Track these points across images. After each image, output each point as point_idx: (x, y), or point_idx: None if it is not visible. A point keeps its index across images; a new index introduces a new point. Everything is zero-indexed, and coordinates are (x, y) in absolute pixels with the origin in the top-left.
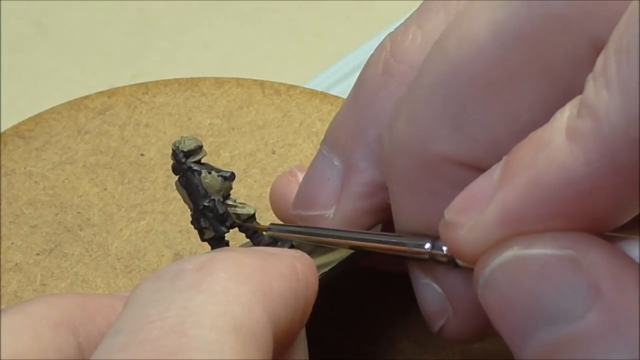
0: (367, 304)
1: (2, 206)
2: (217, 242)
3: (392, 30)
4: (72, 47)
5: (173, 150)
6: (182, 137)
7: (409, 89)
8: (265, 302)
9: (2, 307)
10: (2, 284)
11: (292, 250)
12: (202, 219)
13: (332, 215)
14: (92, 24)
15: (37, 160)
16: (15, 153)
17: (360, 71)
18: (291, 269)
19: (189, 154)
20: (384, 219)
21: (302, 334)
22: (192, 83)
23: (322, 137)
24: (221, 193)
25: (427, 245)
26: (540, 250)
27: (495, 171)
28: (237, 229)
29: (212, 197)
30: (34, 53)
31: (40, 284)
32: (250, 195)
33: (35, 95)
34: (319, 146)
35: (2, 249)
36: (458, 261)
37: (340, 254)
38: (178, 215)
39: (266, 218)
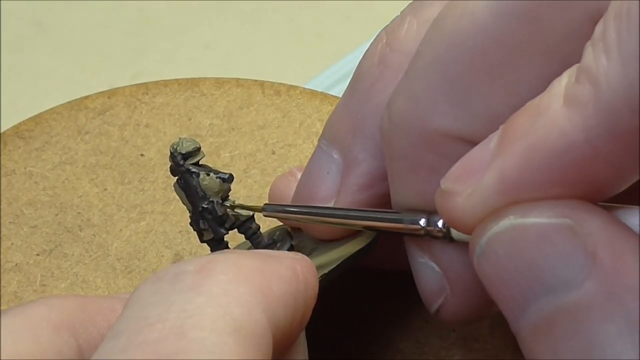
0: (366, 304)
1: (2, 206)
2: (217, 243)
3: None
4: (72, 47)
5: (171, 152)
6: (180, 138)
7: (407, 69)
8: (265, 304)
9: (2, 307)
10: (2, 285)
11: (292, 253)
12: (201, 221)
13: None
14: (92, 24)
15: (37, 161)
16: (15, 153)
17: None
18: (291, 271)
19: (187, 155)
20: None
21: (302, 335)
22: (192, 83)
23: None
24: (220, 195)
25: (423, 221)
26: (538, 219)
27: (492, 140)
28: (236, 230)
29: (210, 199)
30: (34, 53)
31: (40, 284)
32: (250, 196)
33: (35, 96)
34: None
35: (2, 249)
36: (453, 235)
37: (342, 253)
38: (178, 215)
39: (265, 218)
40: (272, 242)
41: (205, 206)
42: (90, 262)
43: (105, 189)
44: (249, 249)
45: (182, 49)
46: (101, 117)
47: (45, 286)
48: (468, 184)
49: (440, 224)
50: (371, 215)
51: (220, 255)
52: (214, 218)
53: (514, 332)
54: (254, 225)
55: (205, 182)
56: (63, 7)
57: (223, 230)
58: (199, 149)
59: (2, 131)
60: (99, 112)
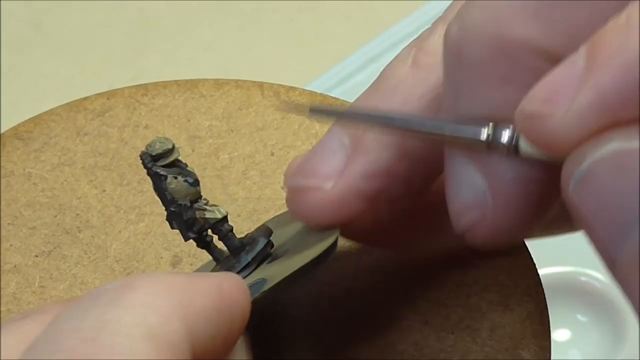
0: (364, 305)
1: (1, 208)
2: (201, 243)
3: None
4: (71, 48)
5: (140, 154)
6: (155, 139)
7: None
8: (185, 316)
9: (1, 309)
10: (1, 286)
11: (223, 272)
12: (173, 222)
13: (330, 187)
14: (91, 25)
15: (36, 162)
16: (14, 154)
17: (361, 72)
18: (216, 288)
19: (157, 157)
20: (374, 211)
21: (241, 350)
22: (191, 84)
23: None
24: (188, 198)
25: (489, 128)
26: None
27: (579, 57)
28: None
29: (178, 202)
30: (33, 54)
31: (39, 285)
32: (249, 197)
33: (35, 97)
34: None
35: (0, 251)
36: (522, 150)
37: (298, 264)
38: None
39: (264, 220)
40: (241, 244)
41: (172, 209)
42: (89, 264)
43: (104, 191)
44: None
45: (182, 50)
46: (100, 118)
47: (44, 287)
48: (560, 105)
49: (506, 135)
50: (431, 123)
51: (144, 274)
52: (181, 222)
53: (608, 262)
54: (225, 227)
55: (172, 186)
56: (62, 8)
57: (191, 234)
58: (171, 149)
59: (1, 132)
60: (98, 113)
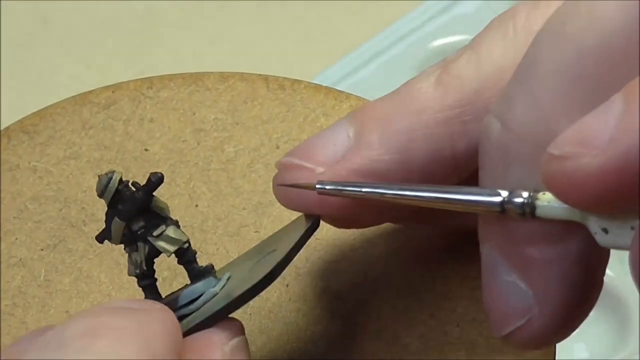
0: (371, 299)
1: (6, 201)
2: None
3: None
4: (77, 43)
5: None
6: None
7: (522, 71)
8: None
9: (6, 303)
10: (6, 280)
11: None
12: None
13: (320, 172)
14: (97, 20)
15: (41, 155)
16: (20, 148)
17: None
18: (166, 324)
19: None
20: (359, 207)
21: (242, 350)
22: (196, 78)
23: None
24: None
25: (504, 194)
26: None
27: (615, 102)
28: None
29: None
30: (39, 48)
31: (45, 279)
32: (255, 190)
33: (40, 91)
34: None
35: (6, 245)
36: (538, 210)
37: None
38: (182, 210)
39: (270, 213)
40: (206, 269)
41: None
42: (95, 257)
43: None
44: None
45: (188, 45)
46: (105, 111)
47: (50, 281)
48: (594, 146)
49: (524, 195)
50: (446, 190)
51: (98, 320)
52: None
53: None
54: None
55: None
56: (68, 3)
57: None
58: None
59: (6, 126)
60: (103, 106)
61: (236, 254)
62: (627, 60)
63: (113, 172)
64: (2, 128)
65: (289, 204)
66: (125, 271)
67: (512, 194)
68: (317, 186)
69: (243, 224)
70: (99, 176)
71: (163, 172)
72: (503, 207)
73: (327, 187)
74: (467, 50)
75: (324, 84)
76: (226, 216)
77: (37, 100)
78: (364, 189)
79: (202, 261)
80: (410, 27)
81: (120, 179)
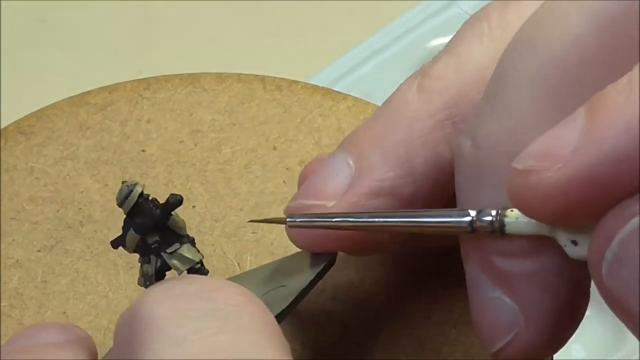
0: (368, 300)
1: (3, 202)
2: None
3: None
4: (75, 43)
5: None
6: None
7: (490, 92)
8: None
9: (4, 304)
10: (3, 281)
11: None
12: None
13: (331, 206)
14: (95, 20)
15: (38, 156)
16: (17, 149)
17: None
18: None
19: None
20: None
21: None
22: (193, 78)
23: (324, 133)
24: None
25: (473, 213)
26: None
27: (578, 116)
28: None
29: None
30: (37, 48)
31: (42, 280)
32: (252, 191)
33: (38, 91)
34: (320, 142)
35: (3, 246)
36: (507, 226)
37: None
38: (179, 211)
39: (267, 214)
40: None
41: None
42: (92, 259)
43: (107, 185)
44: None
45: (185, 45)
46: (102, 112)
47: (47, 282)
48: (557, 159)
49: (492, 213)
50: (415, 214)
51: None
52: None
53: None
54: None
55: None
56: (66, 3)
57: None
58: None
59: (3, 127)
60: (100, 107)
61: (233, 255)
62: (594, 71)
63: (135, 183)
64: None
65: (311, 246)
66: (122, 272)
67: (480, 212)
68: (288, 220)
69: (240, 225)
70: (122, 184)
71: (160, 173)
72: (473, 227)
73: (298, 220)
74: (443, 54)
75: (321, 84)
76: (223, 217)
77: (34, 101)
78: (334, 219)
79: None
80: (408, 27)
81: (141, 193)
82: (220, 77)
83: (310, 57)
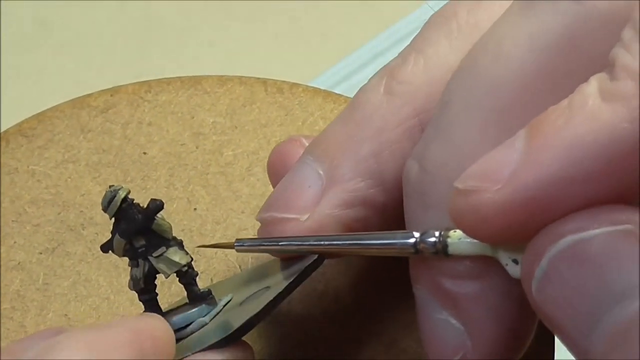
0: (369, 303)
1: (4, 205)
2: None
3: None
4: (76, 46)
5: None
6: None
7: (437, 117)
8: None
9: (5, 307)
10: (4, 283)
11: (144, 314)
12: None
13: (305, 219)
14: (96, 23)
15: (39, 159)
16: (18, 151)
17: (365, 69)
18: (131, 334)
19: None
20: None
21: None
22: (194, 81)
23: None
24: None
25: (416, 235)
26: (599, 229)
27: (517, 139)
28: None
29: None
30: (37, 51)
31: (43, 283)
32: (253, 194)
33: (39, 94)
34: None
35: (4, 248)
36: (450, 248)
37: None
38: (180, 214)
39: None
40: (208, 291)
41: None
42: (93, 261)
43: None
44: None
45: (187, 48)
46: (104, 115)
47: (48, 285)
48: (496, 180)
49: (436, 234)
50: (360, 236)
51: (65, 333)
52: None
53: (581, 355)
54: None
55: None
56: (67, 6)
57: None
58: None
59: (4, 129)
60: (102, 110)
61: (235, 258)
62: (536, 95)
63: (120, 188)
64: (0, 131)
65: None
66: (124, 274)
67: (424, 234)
68: (235, 244)
69: (242, 228)
70: (108, 188)
71: (161, 176)
72: (417, 248)
73: (245, 244)
74: (411, 52)
75: (322, 87)
76: (225, 220)
77: (36, 103)
78: (280, 243)
79: (201, 264)
80: (410, 29)
81: (125, 197)
82: (222, 79)
83: (311, 60)
